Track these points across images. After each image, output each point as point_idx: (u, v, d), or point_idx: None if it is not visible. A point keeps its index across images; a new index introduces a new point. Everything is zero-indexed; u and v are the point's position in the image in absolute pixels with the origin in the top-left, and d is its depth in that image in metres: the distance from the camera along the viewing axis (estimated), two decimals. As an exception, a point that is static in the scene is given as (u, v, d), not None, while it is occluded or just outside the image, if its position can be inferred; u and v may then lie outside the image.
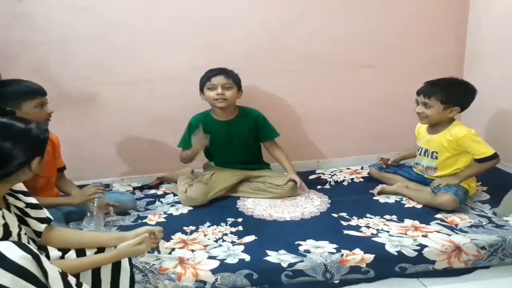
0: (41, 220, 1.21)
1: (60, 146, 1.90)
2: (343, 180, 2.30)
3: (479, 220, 1.71)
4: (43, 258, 0.96)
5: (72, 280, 1.02)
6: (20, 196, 1.21)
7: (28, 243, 1.13)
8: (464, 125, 1.95)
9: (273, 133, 2.22)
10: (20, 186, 1.21)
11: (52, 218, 1.26)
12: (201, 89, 2.10)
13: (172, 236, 1.69)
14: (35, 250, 0.96)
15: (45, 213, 1.24)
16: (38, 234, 1.20)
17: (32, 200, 1.23)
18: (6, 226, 1.05)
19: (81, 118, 2.27)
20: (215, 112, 2.14)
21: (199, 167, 2.34)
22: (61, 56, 2.19)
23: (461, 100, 1.89)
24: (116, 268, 1.23)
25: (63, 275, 0.99)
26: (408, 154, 2.23)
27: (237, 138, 2.15)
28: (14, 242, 0.96)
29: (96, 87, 2.25)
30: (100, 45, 2.21)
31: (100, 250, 1.27)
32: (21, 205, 1.19)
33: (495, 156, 1.84)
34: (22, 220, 1.17)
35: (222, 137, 2.13)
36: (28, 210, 1.20)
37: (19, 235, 1.10)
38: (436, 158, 1.95)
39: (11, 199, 1.17)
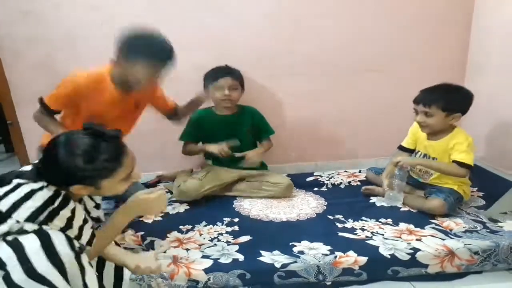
0: (93, 219, 1.25)
1: (158, 91, 1.92)
2: (340, 183, 2.31)
3: (474, 225, 1.71)
4: (83, 256, 1.03)
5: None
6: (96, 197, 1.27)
7: (92, 234, 1.16)
8: (465, 132, 1.90)
9: (269, 131, 2.26)
10: None
11: (103, 220, 1.30)
12: (206, 87, 2.11)
13: (168, 235, 1.70)
14: (77, 248, 1.02)
15: (99, 213, 1.28)
16: None
17: (99, 200, 1.28)
18: (70, 219, 1.07)
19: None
20: (217, 108, 2.18)
21: (196, 168, 2.36)
22: (68, 54, 2.21)
23: (461, 106, 1.85)
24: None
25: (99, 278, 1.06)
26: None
27: (237, 132, 2.17)
28: (65, 235, 1.01)
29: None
30: (107, 44, 2.20)
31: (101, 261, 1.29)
32: (91, 204, 1.25)
33: (470, 168, 1.79)
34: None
35: (222, 131, 2.15)
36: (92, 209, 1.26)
37: (81, 228, 1.11)
38: None
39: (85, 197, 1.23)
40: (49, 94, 1.66)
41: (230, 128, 2.17)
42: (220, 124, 2.17)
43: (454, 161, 1.80)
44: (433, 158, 1.94)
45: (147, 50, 1.56)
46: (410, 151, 2.08)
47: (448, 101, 1.82)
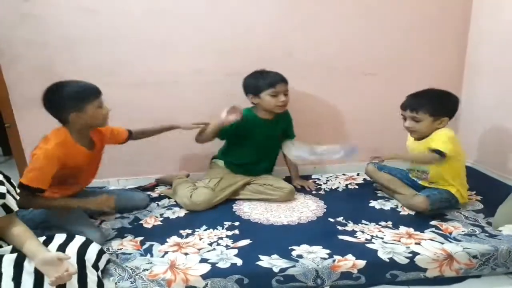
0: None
1: (107, 135, 1.94)
2: (338, 187, 2.31)
3: (472, 229, 1.71)
4: None
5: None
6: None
7: None
8: (447, 129, 1.88)
9: (292, 135, 2.32)
10: None
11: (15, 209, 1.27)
12: (256, 93, 2.08)
13: (167, 239, 1.70)
14: None
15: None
16: None
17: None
18: None
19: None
20: (259, 111, 2.15)
21: (194, 171, 2.36)
22: (66, 57, 2.21)
23: (448, 110, 1.86)
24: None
25: None
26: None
27: (273, 137, 2.20)
28: None
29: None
30: (105, 47, 2.23)
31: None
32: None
33: (442, 154, 1.77)
34: None
35: (261, 134, 2.15)
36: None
37: None
38: None
39: None
40: (28, 177, 1.56)
41: (268, 132, 2.17)
42: (260, 127, 2.15)
43: (429, 150, 1.82)
44: None
45: (85, 93, 1.67)
46: None
47: (435, 105, 1.84)
